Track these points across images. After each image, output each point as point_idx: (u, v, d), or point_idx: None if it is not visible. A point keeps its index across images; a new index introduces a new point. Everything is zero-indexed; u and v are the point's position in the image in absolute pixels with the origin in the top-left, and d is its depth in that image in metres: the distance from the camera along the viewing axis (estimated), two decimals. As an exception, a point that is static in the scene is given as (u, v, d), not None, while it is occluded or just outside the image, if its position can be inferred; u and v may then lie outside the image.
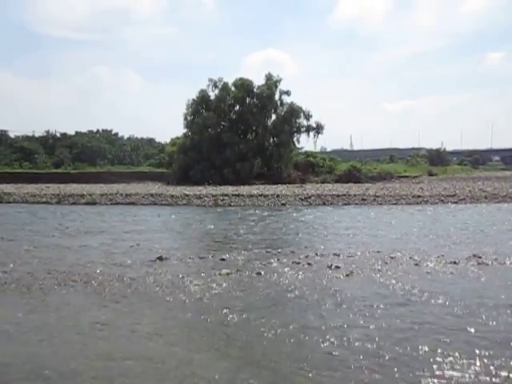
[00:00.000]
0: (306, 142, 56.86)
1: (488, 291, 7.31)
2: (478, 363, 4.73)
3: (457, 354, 4.92)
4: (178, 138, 46.93)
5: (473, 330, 5.61)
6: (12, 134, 63.27)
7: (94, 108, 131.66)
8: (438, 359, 4.83)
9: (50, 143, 61.37)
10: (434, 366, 4.67)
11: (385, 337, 5.45)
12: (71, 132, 66.19)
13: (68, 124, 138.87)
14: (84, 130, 69.30)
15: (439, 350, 5.04)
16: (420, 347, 5.13)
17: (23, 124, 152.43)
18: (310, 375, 4.59)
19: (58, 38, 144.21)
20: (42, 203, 26.03)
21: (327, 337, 5.48)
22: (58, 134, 64.22)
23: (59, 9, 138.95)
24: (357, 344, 5.26)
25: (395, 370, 4.63)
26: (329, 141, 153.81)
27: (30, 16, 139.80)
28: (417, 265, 9.15)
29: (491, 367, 4.63)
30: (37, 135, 63.18)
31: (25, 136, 63.02)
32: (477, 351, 4.99)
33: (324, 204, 23.69)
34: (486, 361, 4.78)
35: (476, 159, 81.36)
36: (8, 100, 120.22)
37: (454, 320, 6.00)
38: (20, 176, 44.19)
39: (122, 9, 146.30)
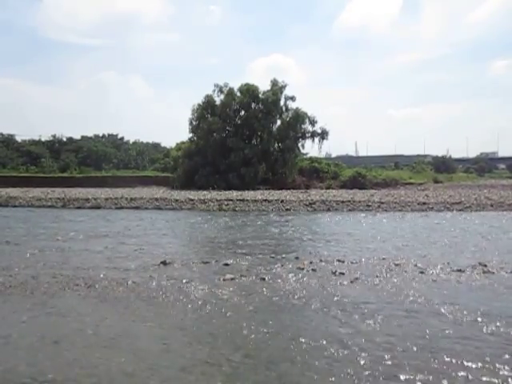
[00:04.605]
0: (310, 148, 57.11)
1: (494, 300, 7.23)
2: (484, 374, 4.66)
3: (463, 365, 4.86)
4: (183, 142, 47.13)
5: (479, 340, 5.54)
6: (19, 138, 64.03)
7: (100, 113, 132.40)
8: (443, 370, 4.77)
9: (56, 147, 61.91)
10: (439, 377, 4.61)
11: (389, 345, 5.40)
12: (77, 136, 66.92)
13: (74, 128, 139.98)
14: (90, 134, 70.01)
15: (444, 360, 4.97)
16: (425, 357, 5.07)
17: (30, 128, 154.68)
18: (314, 381, 4.55)
19: (65, 43, 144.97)
20: (48, 207, 26.17)
21: (332, 343, 5.43)
22: (64, 139, 64.83)
23: (67, 14, 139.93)
24: (361, 351, 5.21)
25: (399, 378, 4.57)
26: (334, 147, 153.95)
27: (37, 22, 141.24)
28: (422, 272, 9.08)
29: (498, 379, 4.57)
30: (43, 139, 63.83)
31: (31, 140, 63.65)
32: (483, 362, 4.92)
33: (328, 210, 23.63)
34: (492, 372, 4.70)
35: (482, 167, 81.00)
36: (15, 104, 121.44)
37: (460, 329, 5.93)
38: (26, 180, 44.54)
39: (129, 15, 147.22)
